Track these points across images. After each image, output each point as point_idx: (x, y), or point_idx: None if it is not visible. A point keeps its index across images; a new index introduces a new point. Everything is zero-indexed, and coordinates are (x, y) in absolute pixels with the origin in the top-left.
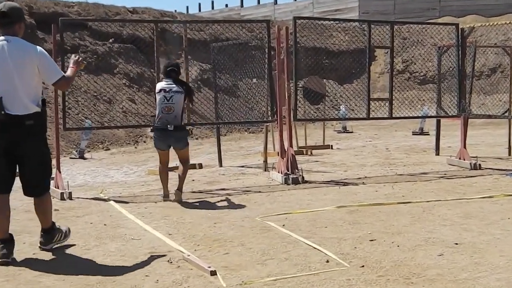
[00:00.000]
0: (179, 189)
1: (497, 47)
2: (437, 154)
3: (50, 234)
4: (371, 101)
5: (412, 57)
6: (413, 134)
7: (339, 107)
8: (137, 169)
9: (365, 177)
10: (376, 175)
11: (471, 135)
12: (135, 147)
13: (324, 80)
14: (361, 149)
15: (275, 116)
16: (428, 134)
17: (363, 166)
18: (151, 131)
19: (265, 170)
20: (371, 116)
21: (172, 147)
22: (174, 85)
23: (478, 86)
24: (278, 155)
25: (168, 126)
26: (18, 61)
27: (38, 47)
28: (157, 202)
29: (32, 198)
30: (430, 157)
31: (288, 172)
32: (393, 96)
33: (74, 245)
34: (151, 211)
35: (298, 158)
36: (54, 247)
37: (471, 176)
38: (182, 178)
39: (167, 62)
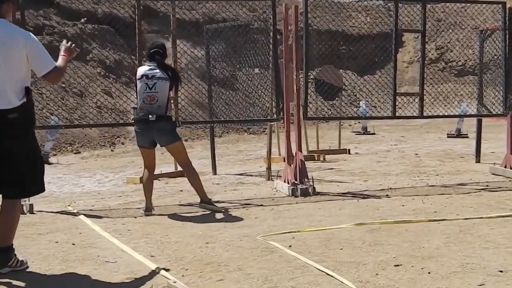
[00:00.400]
0: (203, 201)
1: None
2: (478, 161)
3: (7, 255)
4: (397, 96)
5: (448, 43)
6: (448, 137)
7: (359, 104)
8: (113, 176)
9: (390, 188)
10: (402, 186)
11: None
12: (112, 150)
13: (341, 70)
14: (385, 154)
15: (281, 113)
16: (467, 137)
17: (387, 175)
18: (135, 124)
19: (269, 179)
20: (397, 114)
21: (158, 145)
22: (157, 71)
23: None
24: (284, 161)
25: (150, 116)
26: (5, 48)
27: (29, 32)
28: (137, 217)
29: None
30: (469, 164)
31: (296, 182)
32: (424, 91)
33: (33, 272)
34: (129, 228)
35: (309, 164)
36: (5, 271)
37: None
38: (197, 187)
39: (152, 43)
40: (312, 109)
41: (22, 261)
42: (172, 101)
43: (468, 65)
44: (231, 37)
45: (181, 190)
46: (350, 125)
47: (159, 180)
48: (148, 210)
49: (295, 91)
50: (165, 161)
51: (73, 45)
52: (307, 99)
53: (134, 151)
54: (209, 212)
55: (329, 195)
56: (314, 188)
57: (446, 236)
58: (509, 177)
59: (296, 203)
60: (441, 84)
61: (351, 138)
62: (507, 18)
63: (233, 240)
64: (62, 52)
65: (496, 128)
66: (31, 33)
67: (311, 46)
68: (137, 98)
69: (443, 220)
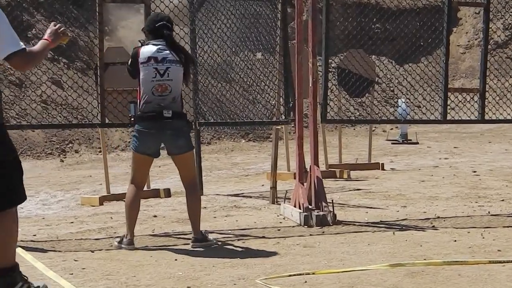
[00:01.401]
0: (197, 239)
1: None
2: None
3: (9, 278)
4: (449, 93)
5: None
6: None
7: (397, 102)
8: (63, 196)
9: (437, 217)
10: (455, 214)
11: None
12: (61, 160)
13: (373, 57)
14: (432, 171)
15: (291, 114)
16: None
17: (434, 199)
18: (130, 124)
19: (273, 203)
20: (448, 117)
21: (167, 152)
22: (168, 52)
23: None
24: (295, 178)
25: (164, 111)
26: None
27: None
28: (94, 251)
29: None
30: None
31: (310, 207)
32: (487, 86)
33: None
34: (84, 266)
35: (328, 183)
36: None
37: None
38: (196, 217)
39: (155, 14)
40: (333, 108)
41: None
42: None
43: None
44: (225, 10)
45: (155, 216)
46: (384, 131)
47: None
48: (131, 243)
49: (310, 85)
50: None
51: (62, 28)
52: (326, 96)
53: (91, 162)
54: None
55: (354, 225)
56: (334, 215)
57: None
58: None
59: (310, 235)
60: (511, 77)
61: (386, 148)
62: None
63: (224, 284)
64: (45, 36)
65: None
66: None
67: (333, 23)
68: (139, 88)
69: (510, 262)
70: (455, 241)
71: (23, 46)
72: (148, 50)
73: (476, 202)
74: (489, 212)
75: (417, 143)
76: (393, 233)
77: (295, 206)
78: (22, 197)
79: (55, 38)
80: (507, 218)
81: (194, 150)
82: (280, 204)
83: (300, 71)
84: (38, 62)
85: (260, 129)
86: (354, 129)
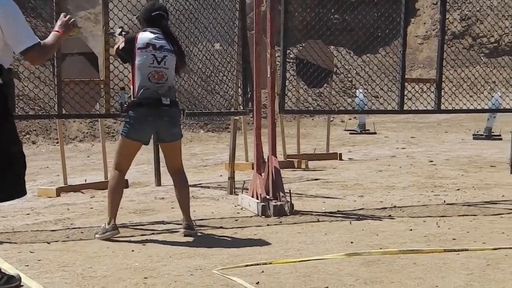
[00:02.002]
0: (188, 224)
1: None
2: None
3: None
4: (406, 84)
5: (478, 11)
6: (474, 138)
7: (355, 93)
8: None
9: (394, 206)
10: (411, 203)
11: None
12: None
13: (332, 47)
14: (389, 160)
15: (250, 104)
16: (500, 139)
17: (391, 188)
18: (123, 111)
19: (232, 193)
20: (405, 107)
21: (157, 140)
22: (165, 41)
23: None
24: (253, 168)
25: (163, 98)
26: None
27: None
28: (50, 242)
29: None
30: (501, 176)
31: (268, 197)
32: (444, 76)
33: None
34: (40, 258)
35: (286, 173)
36: None
37: None
38: (187, 205)
39: (151, 3)
40: (291, 99)
41: (9, 277)
42: None
43: (504, 41)
44: (184, 1)
45: None
46: (343, 121)
47: (82, 192)
48: (114, 229)
49: (269, 75)
50: (91, 167)
51: (72, 19)
52: (284, 86)
53: (49, 153)
54: (149, 234)
55: (312, 214)
56: (292, 205)
57: (468, 272)
58: None
59: (268, 225)
60: (467, 67)
61: (344, 138)
62: None
63: (181, 274)
64: (56, 28)
65: None
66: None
67: (291, 13)
68: (133, 74)
69: (465, 250)
70: (411, 230)
71: (38, 40)
72: (146, 36)
73: (432, 192)
74: (444, 201)
75: (375, 133)
76: (350, 222)
77: (252, 196)
78: (19, 192)
79: (66, 29)
80: (462, 207)
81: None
82: (238, 195)
83: (258, 62)
84: (51, 54)
85: (219, 119)
86: (313, 119)
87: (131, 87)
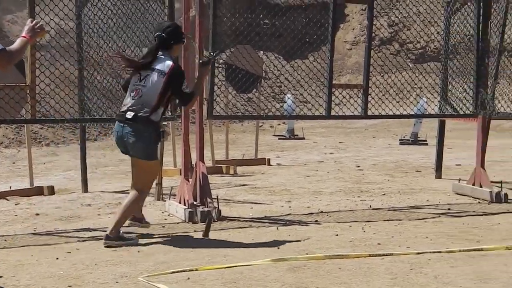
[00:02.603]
0: (110, 231)
1: None
2: (439, 176)
3: None
4: (334, 89)
5: (405, 18)
6: (401, 144)
7: (284, 98)
8: None
9: (320, 212)
10: (338, 209)
11: (495, 146)
12: None
13: (261, 53)
14: (317, 166)
15: (178, 110)
16: (426, 144)
17: (318, 194)
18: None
19: (159, 199)
20: (333, 113)
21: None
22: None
23: (511, 68)
24: (181, 174)
25: (128, 112)
26: None
27: None
28: None
29: None
30: (426, 181)
31: (195, 203)
32: (371, 82)
33: None
34: None
35: (214, 179)
36: None
37: (491, 214)
38: (119, 214)
39: (158, 24)
40: (220, 104)
41: None
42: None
43: (430, 48)
44: (112, 5)
45: (37, 214)
46: (272, 127)
47: (7, 199)
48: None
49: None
50: (16, 173)
51: (39, 24)
52: (213, 91)
53: None
54: (75, 241)
55: (239, 220)
56: (219, 211)
57: (392, 276)
58: (478, 198)
59: (195, 231)
60: (393, 73)
61: (273, 144)
62: None
63: (106, 282)
64: (23, 33)
65: (465, 133)
66: None
67: (220, 18)
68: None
69: (389, 255)
70: (337, 235)
71: (2, 46)
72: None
73: (359, 197)
74: (370, 206)
75: (303, 138)
76: (277, 228)
77: (180, 203)
78: None
79: (33, 34)
80: (388, 212)
81: (83, 147)
82: (165, 201)
83: (186, 67)
84: (18, 59)
85: None
86: (242, 124)
87: None
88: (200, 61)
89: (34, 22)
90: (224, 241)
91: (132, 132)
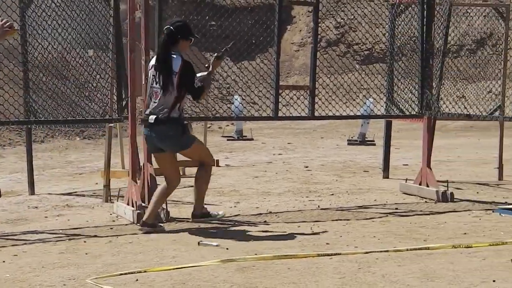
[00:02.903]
0: (197, 208)
1: (485, 5)
2: (386, 176)
3: None
4: (281, 90)
5: (352, 20)
6: (349, 144)
7: (232, 99)
8: None
9: (269, 212)
10: (286, 209)
11: (441, 146)
12: None
13: (208, 54)
14: (265, 166)
15: (125, 111)
16: (374, 144)
17: (267, 194)
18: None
19: (107, 201)
20: (280, 114)
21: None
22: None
23: (455, 69)
24: (129, 175)
25: (150, 117)
26: None
27: None
28: None
29: None
30: (374, 181)
31: (143, 205)
32: (318, 83)
33: None
34: None
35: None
36: None
37: (438, 213)
38: (200, 191)
39: (168, 21)
40: None
41: None
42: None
43: (377, 50)
44: (57, 6)
45: None
46: (220, 128)
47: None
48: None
49: (143, 82)
50: None
51: (8, 23)
52: None
53: None
54: (21, 244)
55: (188, 221)
56: (168, 212)
57: (340, 275)
58: (424, 197)
59: (143, 233)
60: (339, 74)
61: (222, 145)
62: None
63: (53, 285)
64: None
65: (412, 133)
66: None
67: (166, 20)
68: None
69: (337, 254)
70: (286, 235)
71: None
72: (153, 59)
73: (307, 197)
74: (318, 206)
75: (252, 139)
76: (224, 229)
77: (128, 204)
78: None
79: (2, 33)
80: (336, 211)
81: (29, 149)
82: (113, 203)
83: (133, 69)
84: None
85: (95, 126)
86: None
87: None
88: (216, 54)
89: (3, 21)
90: (172, 242)
91: (158, 135)
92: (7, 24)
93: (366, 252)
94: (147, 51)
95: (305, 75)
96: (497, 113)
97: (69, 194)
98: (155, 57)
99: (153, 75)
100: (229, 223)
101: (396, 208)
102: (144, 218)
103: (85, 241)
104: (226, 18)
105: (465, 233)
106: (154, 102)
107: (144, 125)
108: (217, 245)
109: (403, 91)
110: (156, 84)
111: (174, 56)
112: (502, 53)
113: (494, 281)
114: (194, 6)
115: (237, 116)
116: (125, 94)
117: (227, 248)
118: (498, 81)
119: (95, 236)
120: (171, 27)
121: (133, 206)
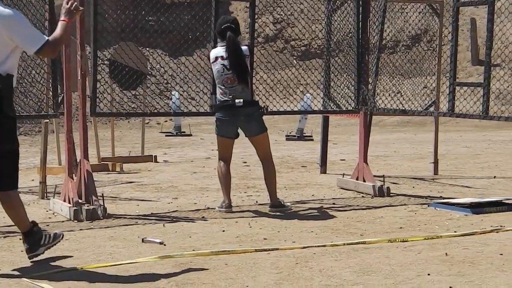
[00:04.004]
0: (274, 205)
1: (420, 1)
2: (324, 171)
3: (33, 236)
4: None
5: (290, 15)
6: (287, 139)
7: (171, 95)
8: None
9: (207, 208)
10: None
11: (378, 141)
12: None
13: (146, 50)
14: (204, 162)
15: (61, 107)
16: (312, 140)
17: (205, 190)
18: (212, 112)
19: (43, 197)
20: None
21: (244, 135)
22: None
23: (391, 64)
24: (65, 172)
25: (237, 100)
26: None
27: (8, 10)
28: None
29: None
30: (311, 176)
31: (80, 201)
32: (255, 79)
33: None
34: None
35: (100, 177)
36: (42, 252)
37: (374, 207)
38: (273, 188)
39: (221, 18)
40: (104, 101)
41: (54, 234)
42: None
43: (314, 45)
44: None
45: None
46: (159, 123)
47: None
48: (228, 206)
49: (79, 77)
50: None
51: (74, 4)
52: (95, 89)
53: None
54: None
55: (125, 218)
56: (105, 209)
57: (278, 270)
58: (361, 192)
59: (80, 229)
60: (279, 70)
61: (160, 140)
62: None
63: None
64: (62, 17)
65: (349, 128)
66: (12, 10)
67: (102, 15)
68: (214, 82)
69: (275, 249)
70: (224, 231)
71: (46, 38)
72: (215, 51)
73: (245, 192)
74: (257, 202)
75: (190, 135)
76: (163, 225)
77: (65, 201)
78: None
79: (71, 16)
80: None
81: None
82: (49, 199)
83: (68, 64)
84: (64, 42)
85: (31, 122)
86: (129, 122)
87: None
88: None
89: (69, 3)
90: (110, 239)
91: (247, 117)
92: (74, 6)
93: (304, 247)
94: (82, 46)
95: None
96: (432, 109)
97: None
98: (217, 50)
99: (221, 65)
100: (166, 219)
101: (333, 203)
102: (271, 202)
103: (20, 239)
104: (162, 13)
105: (401, 227)
106: (231, 87)
107: (226, 110)
108: (160, 242)
109: (340, 86)
110: (228, 70)
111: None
112: (436, 49)
113: (429, 274)
114: (130, 1)
115: (175, 111)
116: (61, 90)
117: (164, 244)
118: (433, 77)
119: None
120: (232, 25)
121: (69, 203)
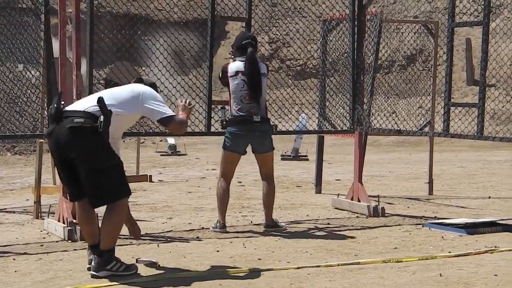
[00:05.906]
0: (268, 223)
1: (415, 22)
2: (319, 191)
3: (106, 257)
4: (214, 106)
5: (285, 35)
6: (282, 159)
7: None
8: None
9: (202, 228)
10: None
11: (373, 160)
12: None
13: (142, 69)
14: (198, 182)
15: None
16: (307, 159)
17: (200, 210)
18: (222, 127)
19: (38, 217)
20: (212, 129)
21: (252, 150)
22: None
23: (386, 84)
24: (60, 192)
25: (254, 116)
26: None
27: (141, 88)
28: None
29: None
30: (306, 196)
31: (74, 221)
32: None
33: None
34: None
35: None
36: (102, 275)
37: (369, 228)
38: (270, 207)
39: (241, 33)
40: None
41: (128, 266)
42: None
43: (311, 65)
44: None
45: None
46: (154, 143)
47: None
48: (223, 227)
49: (75, 97)
50: None
51: (188, 101)
52: None
53: None
54: None
55: (120, 238)
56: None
57: None
58: (356, 212)
59: (74, 250)
60: (271, 89)
61: (155, 160)
62: (356, 5)
63: None
64: (180, 111)
65: (344, 148)
66: (145, 87)
67: (98, 35)
68: (230, 97)
69: (269, 270)
70: (218, 251)
71: (172, 113)
72: (235, 65)
73: (240, 212)
74: (251, 222)
75: (185, 154)
76: (158, 245)
77: (59, 221)
78: (126, 192)
79: (188, 112)
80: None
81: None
82: (44, 219)
83: (64, 84)
84: (185, 126)
85: (27, 142)
86: (124, 141)
87: (230, 107)
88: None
89: (184, 101)
90: None
91: (263, 133)
92: (188, 101)
93: (298, 268)
94: (78, 66)
95: None
96: (427, 129)
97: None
98: (237, 64)
99: (241, 80)
100: (161, 239)
101: (328, 223)
102: (265, 221)
103: (14, 259)
104: (161, 33)
105: (395, 248)
106: (248, 104)
107: (243, 123)
108: (155, 262)
109: (335, 106)
110: (246, 86)
111: (258, 60)
112: (431, 69)
113: None
114: (126, 21)
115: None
116: None
117: (159, 265)
118: (428, 97)
119: (25, 253)
120: (253, 42)
121: (64, 223)
